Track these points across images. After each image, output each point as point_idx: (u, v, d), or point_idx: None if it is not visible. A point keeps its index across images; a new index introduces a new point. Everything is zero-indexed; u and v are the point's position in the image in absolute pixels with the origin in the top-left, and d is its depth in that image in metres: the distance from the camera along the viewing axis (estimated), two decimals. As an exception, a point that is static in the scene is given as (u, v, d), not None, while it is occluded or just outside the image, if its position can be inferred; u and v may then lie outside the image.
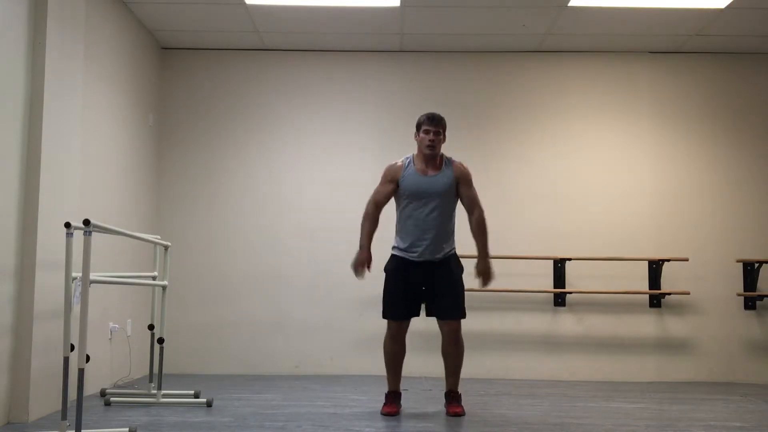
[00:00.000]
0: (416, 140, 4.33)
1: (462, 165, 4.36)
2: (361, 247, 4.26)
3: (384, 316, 4.30)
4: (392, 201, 4.36)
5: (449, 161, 4.34)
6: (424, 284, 4.25)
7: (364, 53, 6.41)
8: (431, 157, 4.27)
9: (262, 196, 6.31)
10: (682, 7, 5.46)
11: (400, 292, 4.25)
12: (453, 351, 4.29)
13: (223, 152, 6.34)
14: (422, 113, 4.35)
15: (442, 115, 4.32)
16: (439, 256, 4.23)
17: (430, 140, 4.23)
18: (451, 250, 4.30)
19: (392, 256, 4.34)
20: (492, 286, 5.95)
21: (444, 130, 4.31)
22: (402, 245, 4.28)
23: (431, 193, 4.22)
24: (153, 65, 6.18)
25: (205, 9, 5.57)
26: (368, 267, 4.25)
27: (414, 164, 4.30)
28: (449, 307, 4.23)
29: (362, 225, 4.31)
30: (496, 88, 6.39)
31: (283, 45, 6.33)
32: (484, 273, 4.28)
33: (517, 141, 6.36)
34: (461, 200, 4.34)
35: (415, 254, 4.23)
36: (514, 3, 5.41)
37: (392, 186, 4.30)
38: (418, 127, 4.31)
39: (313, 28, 5.94)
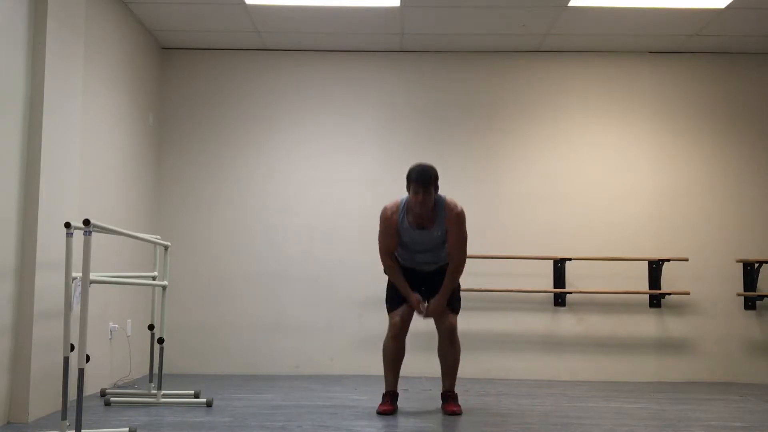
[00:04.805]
0: (408, 192, 4.20)
1: (455, 208, 4.21)
2: (407, 296, 4.26)
3: (390, 309, 4.34)
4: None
5: (442, 205, 4.21)
6: (425, 283, 4.34)
7: (364, 53, 6.40)
8: (421, 216, 4.20)
9: (262, 195, 6.31)
10: (682, 7, 5.46)
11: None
12: (449, 350, 4.31)
13: (223, 152, 6.34)
14: (414, 165, 4.22)
15: (433, 163, 4.23)
16: (437, 267, 4.34)
17: (419, 201, 4.12)
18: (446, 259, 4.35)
19: None
20: (492, 286, 6.03)
21: (434, 184, 4.16)
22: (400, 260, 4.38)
23: (425, 246, 4.27)
24: (153, 65, 6.18)
25: (205, 9, 5.57)
26: (424, 303, 4.26)
27: (408, 216, 4.23)
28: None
29: (394, 278, 4.30)
30: (496, 88, 6.39)
31: (283, 45, 6.33)
32: (435, 310, 4.25)
33: (517, 141, 6.36)
34: (447, 239, 4.24)
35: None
36: (514, 3, 5.41)
37: (397, 238, 4.26)
38: (408, 182, 4.17)
39: (313, 28, 5.94)
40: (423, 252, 4.30)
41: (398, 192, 6.20)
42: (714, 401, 5.00)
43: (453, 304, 4.31)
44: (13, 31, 3.89)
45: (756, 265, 6.09)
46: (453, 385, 4.36)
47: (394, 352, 4.32)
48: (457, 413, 4.23)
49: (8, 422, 3.84)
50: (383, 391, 4.37)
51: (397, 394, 4.38)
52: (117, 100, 5.39)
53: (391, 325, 4.31)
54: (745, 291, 6.13)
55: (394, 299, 4.33)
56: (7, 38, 3.84)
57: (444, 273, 4.28)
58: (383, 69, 6.42)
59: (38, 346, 3.95)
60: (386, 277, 4.39)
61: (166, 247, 4.70)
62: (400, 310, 4.29)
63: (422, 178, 4.11)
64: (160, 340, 4.56)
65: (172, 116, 6.37)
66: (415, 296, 4.24)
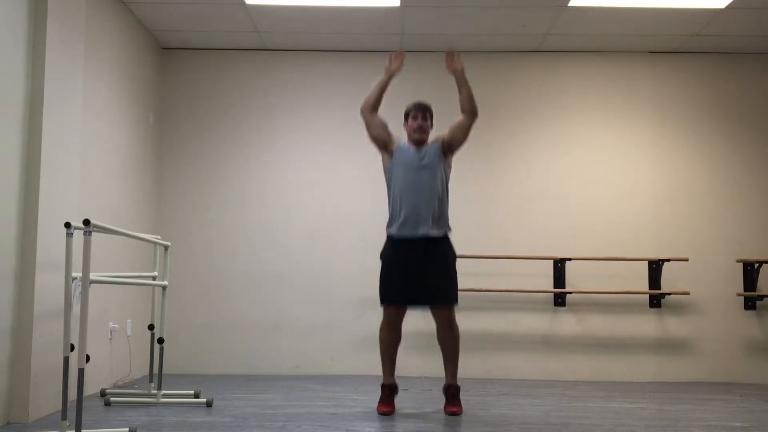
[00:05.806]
0: (405, 129, 4.48)
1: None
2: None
3: (382, 301, 4.30)
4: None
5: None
6: (419, 267, 4.21)
7: (364, 53, 6.40)
8: (420, 142, 4.41)
9: (262, 195, 6.31)
10: (682, 7, 5.46)
11: (397, 276, 4.25)
12: (448, 335, 4.27)
13: (223, 152, 6.34)
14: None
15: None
16: (434, 232, 4.23)
17: (418, 125, 4.39)
18: (445, 233, 4.30)
19: (387, 239, 4.36)
20: (492, 286, 6.02)
21: (431, 117, 4.48)
22: (397, 222, 4.28)
23: (423, 164, 4.31)
24: (153, 65, 6.18)
25: (205, 9, 5.57)
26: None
27: (406, 140, 4.50)
28: (442, 292, 4.23)
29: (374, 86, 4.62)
30: (496, 88, 6.38)
31: (283, 45, 6.33)
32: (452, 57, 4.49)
33: (518, 141, 6.36)
34: (455, 125, 4.43)
35: (410, 228, 4.23)
36: (514, 3, 5.41)
37: (387, 133, 4.51)
38: (406, 115, 4.50)
39: (313, 28, 5.94)
40: (418, 189, 4.24)
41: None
42: (714, 401, 5.00)
43: (450, 296, 4.24)
44: (13, 31, 3.89)
45: (756, 265, 6.09)
46: (455, 376, 4.32)
47: (390, 337, 4.31)
48: (457, 413, 4.22)
49: (8, 422, 3.84)
50: (380, 383, 4.36)
51: (396, 387, 4.37)
52: (117, 100, 5.39)
53: (386, 313, 4.29)
54: (745, 291, 6.13)
55: (387, 293, 4.28)
56: (7, 38, 3.84)
57: (442, 249, 4.25)
58: (383, 69, 6.40)
59: (38, 346, 3.95)
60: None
61: (166, 247, 4.70)
62: (394, 301, 4.27)
63: (421, 104, 4.47)
64: (160, 340, 4.56)
65: (172, 116, 6.37)
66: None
